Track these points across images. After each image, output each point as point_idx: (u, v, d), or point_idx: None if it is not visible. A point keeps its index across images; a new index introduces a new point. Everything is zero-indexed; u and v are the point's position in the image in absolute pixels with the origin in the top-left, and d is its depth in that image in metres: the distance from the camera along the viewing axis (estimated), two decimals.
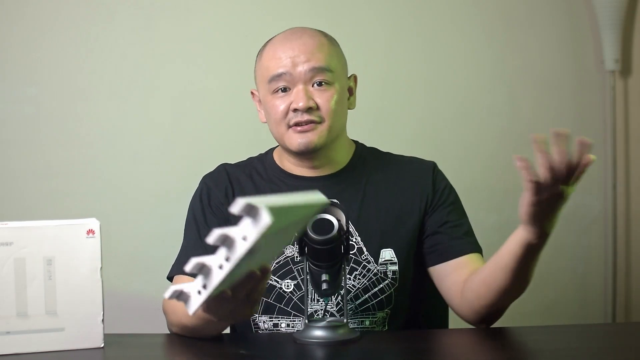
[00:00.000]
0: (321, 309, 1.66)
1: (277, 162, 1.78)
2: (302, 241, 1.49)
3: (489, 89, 2.78)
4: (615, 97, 2.80)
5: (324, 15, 2.66)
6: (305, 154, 1.70)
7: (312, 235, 1.46)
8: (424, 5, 2.75)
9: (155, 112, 2.62)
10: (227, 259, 1.21)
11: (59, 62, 2.58)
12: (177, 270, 1.71)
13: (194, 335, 1.57)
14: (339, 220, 1.47)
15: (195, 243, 1.72)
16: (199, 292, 1.26)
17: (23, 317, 1.46)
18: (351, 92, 1.76)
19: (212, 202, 1.74)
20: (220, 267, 1.22)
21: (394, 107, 2.71)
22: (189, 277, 1.67)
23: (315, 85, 1.67)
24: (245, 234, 1.18)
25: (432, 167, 1.78)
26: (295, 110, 1.66)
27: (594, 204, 2.83)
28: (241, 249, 1.19)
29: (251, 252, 1.20)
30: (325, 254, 1.47)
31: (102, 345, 1.49)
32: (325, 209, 1.49)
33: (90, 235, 1.49)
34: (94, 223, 1.50)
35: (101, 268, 1.49)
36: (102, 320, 1.49)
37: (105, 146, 2.60)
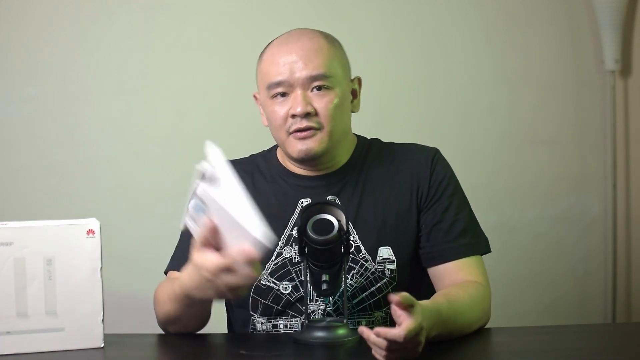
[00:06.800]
0: (319, 309, 1.66)
1: (280, 160, 1.77)
2: (302, 241, 1.49)
3: (489, 89, 2.78)
4: (615, 97, 2.80)
5: (324, 15, 2.66)
6: (306, 161, 1.69)
7: (312, 236, 1.46)
8: (424, 5, 2.75)
9: (156, 112, 2.63)
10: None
11: (59, 62, 2.58)
12: (172, 266, 1.73)
13: (179, 329, 1.58)
14: (339, 221, 1.47)
15: (189, 238, 1.71)
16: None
17: (23, 317, 1.46)
18: (355, 94, 1.74)
19: None
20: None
21: (394, 107, 2.71)
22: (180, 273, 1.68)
23: (314, 90, 1.65)
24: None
25: (432, 156, 1.74)
26: (293, 116, 1.64)
27: (594, 204, 2.84)
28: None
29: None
30: (325, 254, 1.47)
31: (102, 345, 1.49)
32: (326, 209, 1.49)
33: (90, 235, 1.49)
34: (94, 223, 1.50)
35: (101, 268, 1.50)
36: (102, 320, 1.49)
37: (105, 146, 2.60)
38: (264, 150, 1.83)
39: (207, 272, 1.35)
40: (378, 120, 2.63)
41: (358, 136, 1.79)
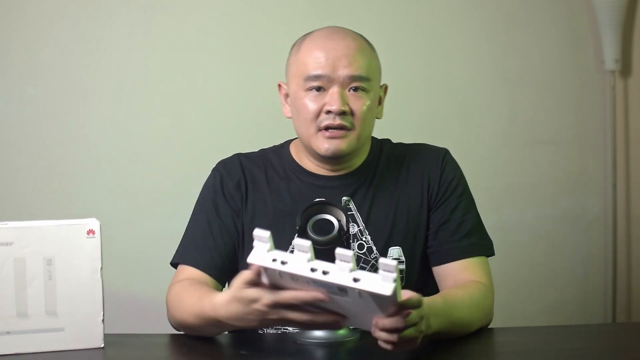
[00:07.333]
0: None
1: (294, 156, 1.75)
2: None
3: (489, 89, 2.78)
4: (615, 97, 2.80)
5: (324, 15, 2.66)
6: (331, 159, 1.68)
7: (312, 236, 1.46)
8: (424, 5, 2.75)
9: (156, 112, 2.63)
10: (324, 273, 1.22)
11: (59, 62, 2.58)
12: (181, 258, 1.69)
13: (191, 333, 1.57)
14: (339, 221, 1.47)
15: (203, 232, 1.69)
16: (274, 260, 1.23)
17: (23, 317, 1.46)
18: (380, 101, 1.74)
19: (225, 191, 1.72)
20: (312, 270, 1.22)
21: (394, 107, 2.70)
22: (194, 269, 1.65)
23: (350, 90, 1.64)
24: (358, 277, 1.21)
25: (442, 156, 1.74)
26: (328, 112, 1.63)
27: (594, 204, 2.84)
28: (345, 280, 1.21)
29: (339, 293, 1.23)
30: (325, 254, 1.47)
31: (102, 345, 1.49)
32: (326, 209, 1.48)
33: (90, 235, 1.49)
34: (94, 223, 1.50)
35: (101, 268, 1.49)
36: (102, 320, 1.49)
37: (105, 146, 2.60)
38: (275, 146, 1.80)
39: (262, 305, 1.30)
40: (378, 120, 2.63)
41: (372, 137, 1.79)
